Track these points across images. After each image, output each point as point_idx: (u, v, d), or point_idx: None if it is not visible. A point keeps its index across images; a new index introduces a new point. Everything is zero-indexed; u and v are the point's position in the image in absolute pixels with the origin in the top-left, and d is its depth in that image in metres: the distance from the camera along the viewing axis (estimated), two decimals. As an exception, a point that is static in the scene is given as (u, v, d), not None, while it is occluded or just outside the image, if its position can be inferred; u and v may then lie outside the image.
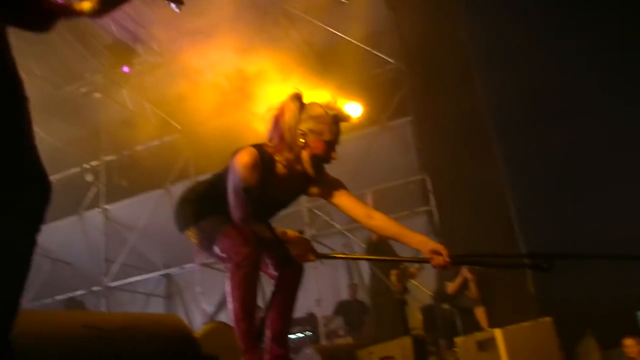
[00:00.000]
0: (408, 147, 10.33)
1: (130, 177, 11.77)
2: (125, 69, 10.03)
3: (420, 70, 9.15)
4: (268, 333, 2.96)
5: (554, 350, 5.78)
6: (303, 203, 10.10)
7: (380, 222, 3.06)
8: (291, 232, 2.91)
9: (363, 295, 10.78)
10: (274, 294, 2.82)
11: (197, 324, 10.41)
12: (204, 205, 2.98)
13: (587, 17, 8.57)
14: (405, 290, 7.15)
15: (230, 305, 2.73)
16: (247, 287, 2.71)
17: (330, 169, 3.13)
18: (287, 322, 3.10)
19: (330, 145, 2.91)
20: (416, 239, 3.01)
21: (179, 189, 11.42)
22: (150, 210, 10.94)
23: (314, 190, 3.15)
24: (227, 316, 9.10)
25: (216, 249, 2.82)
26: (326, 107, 2.90)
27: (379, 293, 7.34)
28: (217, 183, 3.00)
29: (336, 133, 2.92)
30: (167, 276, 12.27)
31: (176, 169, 11.20)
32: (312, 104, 2.93)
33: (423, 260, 3.00)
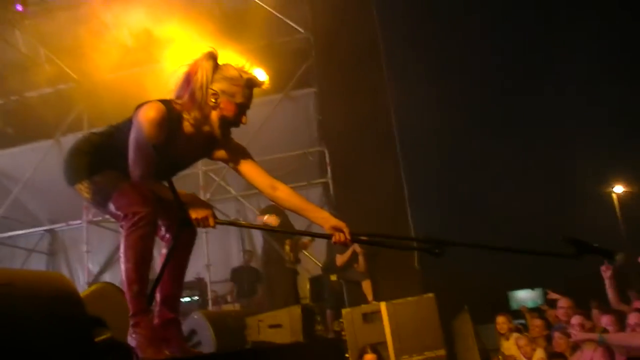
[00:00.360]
0: (309, 119, 10.36)
1: (17, 125, 11.02)
2: (19, 7, 9.35)
3: (327, 43, 9.14)
4: (158, 297, 2.87)
5: (435, 324, 6.03)
6: (199, 165, 9.88)
7: (284, 194, 3.03)
8: (192, 195, 2.83)
9: (257, 263, 10.81)
10: (167, 257, 2.72)
11: (81, 283, 10.05)
12: (99, 158, 2.79)
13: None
14: (297, 260, 7.22)
15: (123, 266, 2.61)
16: (142, 248, 2.61)
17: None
18: (178, 286, 3.02)
19: (242, 108, 2.84)
20: (319, 215, 3.02)
21: (70, 141, 10.82)
22: (37, 162, 10.30)
23: (218, 154, 3.07)
24: (113, 276, 8.87)
25: (111, 207, 2.69)
26: (241, 70, 2.83)
27: (271, 262, 7.34)
28: (115, 136, 2.84)
29: (248, 97, 2.86)
30: (51, 232, 11.65)
31: (69, 120, 10.60)
32: (227, 65, 2.84)
33: (323, 236, 3.03)
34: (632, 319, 4.27)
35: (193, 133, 2.86)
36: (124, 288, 2.62)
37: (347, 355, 6.00)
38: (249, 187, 10.61)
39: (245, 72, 2.83)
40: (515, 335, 7.01)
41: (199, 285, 9.38)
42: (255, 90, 2.89)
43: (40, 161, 10.22)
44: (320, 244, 10.04)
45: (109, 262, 11.19)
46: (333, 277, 7.86)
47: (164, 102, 2.77)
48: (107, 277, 10.76)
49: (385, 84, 8.86)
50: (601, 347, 4.76)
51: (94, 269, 10.98)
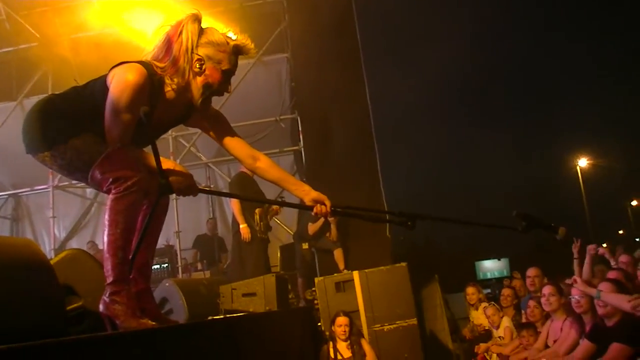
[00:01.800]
0: (282, 85, 10.21)
1: (-25, 86, 10.67)
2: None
3: (301, 7, 8.92)
4: (135, 265, 2.69)
5: (407, 294, 6.05)
6: (169, 131, 9.70)
7: (264, 165, 2.98)
8: (172, 162, 2.71)
9: (223, 231, 10.72)
10: (146, 224, 2.53)
11: (47, 250, 9.85)
12: (70, 121, 2.56)
13: None
14: (268, 228, 7.13)
15: (108, 232, 2.43)
16: (132, 214, 2.47)
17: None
18: (151, 255, 2.92)
19: (227, 76, 2.72)
20: (300, 187, 3.00)
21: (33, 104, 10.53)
22: (-1, 125, 9.99)
23: (195, 120, 2.96)
24: (80, 243, 8.68)
25: (95, 172, 2.47)
26: (226, 35, 2.71)
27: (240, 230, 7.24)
28: (84, 97, 2.65)
29: (234, 64, 2.73)
30: (15, 197, 11.38)
31: (32, 81, 10.22)
32: (211, 29, 2.71)
33: (304, 207, 3.01)
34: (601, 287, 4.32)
35: (173, 99, 2.72)
36: (107, 255, 2.44)
37: (319, 323, 6.00)
38: (219, 154, 10.53)
39: (232, 38, 2.71)
40: (483, 304, 7.09)
41: (169, 253, 9.29)
42: None
43: (2, 124, 9.90)
44: (292, 212, 10.00)
45: (76, 228, 11.00)
46: (305, 246, 7.82)
47: (145, 64, 2.60)
48: (74, 244, 10.60)
49: (359, 51, 8.72)
50: (570, 317, 4.82)
51: (61, 234, 10.77)
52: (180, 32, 2.63)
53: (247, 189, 6.95)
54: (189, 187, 2.66)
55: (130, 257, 2.51)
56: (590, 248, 5.60)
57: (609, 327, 4.24)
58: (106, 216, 2.45)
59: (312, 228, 7.57)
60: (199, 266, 9.48)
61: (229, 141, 2.96)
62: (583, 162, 29.43)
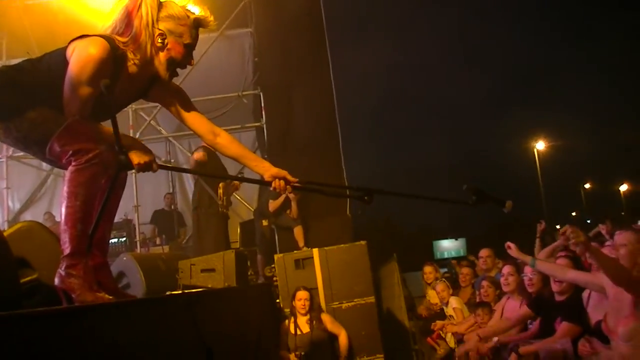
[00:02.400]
0: (245, 60, 10.09)
1: None
2: None
3: (264, -20, 8.81)
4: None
5: (365, 272, 6.11)
6: (129, 105, 9.54)
7: (224, 141, 2.98)
8: (132, 138, 2.69)
9: (182, 206, 10.62)
10: (105, 198, 2.49)
11: (0, 222, 9.60)
12: (26, 94, 2.51)
13: None
14: (229, 203, 7.09)
15: (67, 202, 2.39)
16: (92, 187, 2.43)
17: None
18: (109, 229, 2.90)
19: (189, 49, 2.72)
20: (259, 164, 3.02)
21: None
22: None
23: (155, 94, 2.93)
24: (35, 215, 8.49)
25: (54, 145, 2.42)
26: (185, 8, 2.69)
27: (202, 205, 7.19)
28: (39, 70, 2.59)
29: (195, 37, 2.73)
30: (-34, 167, 11.04)
31: (-16, 48, 9.91)
32: (171, 2, 2.69)
33: (262, 182, 3.04)
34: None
35: (135, 73, 2.69)
36: (65, 226, 2.40)
37: (278, 300, 6.01)
38: (180, 128, 10.37)
39: (192, 12, 2.69)
40: (439, 283, 7.20)
41: (127, 227, 9.15)
42: None
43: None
44: (252, 189, 9.95)
45: (31, 200, 10.74)
46: (265, 223, 7.80)
47: (107, 38, 2.56)
48: (28, 216, 10.34)
49: (323, 26, 8.66)
50: (525, 298, 4.93)
51: (14, 206, 10.51)
52: (140, 6, 2.60)
53: (209, 164, 6.89)
54: (148, 164, 2.61)
55: (90, 232, 2.45)
56: (540, 225, 5.83)
57: (557, 302, 4.35)
58: (65, 188, 2.41)
59: (272, 205, 7.55)
60: (158, 241, 9.38)
61: (189, 116, 2.94)
62: (540, 145, 30.01)
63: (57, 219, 9.72)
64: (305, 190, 3.36)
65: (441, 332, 6.58)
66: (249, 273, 6.24)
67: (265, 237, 7.85)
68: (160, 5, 2.66)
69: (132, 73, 2.68)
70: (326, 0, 8.81)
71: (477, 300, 6.14)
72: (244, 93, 9.75)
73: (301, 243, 7.35)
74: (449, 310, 6.53)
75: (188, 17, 2.68)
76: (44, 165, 10.90)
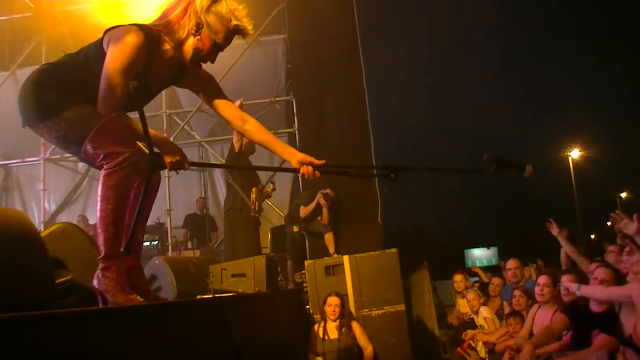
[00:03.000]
0: (278, 66, 10.14)
1: (-32, 55, 10.53)
2: None
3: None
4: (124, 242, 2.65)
5: (396, 279, 6.06)
6: (163, 108, 9.71)
7: (253, 127, 3.05)
8: (164, 138, 2.75)
9: (214, 210, 10.70)
10: (141, 201, 2.52)
11: (36, 223, 9.79)
12: (64, 91, 2.57)
13: None
14: (260, 209, 7.10)
15: (99, 207, 2.46)
16: (123, 189, 2.49)
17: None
18: (142, 232, 2.95)
19: (216, 48, 2.78)
20: (286, 150, 3.07)
21: (26, 75, 10.40)
22: (-9, 95, 9.86)
23: (188, 82, 3.02)
24: (70, 216, 8.61)
25: (87, 146, 2.48)
26: (233, 12, 2.75)
27: (234, 209, 7.21)
28: (78, 64, 2.66)
29: (227, 41, 2.79)
30: (5, 168, 11.27)
31: (25, 52, 10.10)
32: (224, 2, 2.74)
33: (292, 170, 3.04)
34: (598, 273, 4.35)
35: (169, 58, 2.77)
36: (99, 230, 2.48)
37: (307, 306, 6.01)
38: (212, 133, 10.50)
39: (236, 18, 2.75)
40: (469, 291, 7.12)
41: (159, 230, 9.26)
42: None
43: (-6, 94, 9.79)
44: (283, 195, 10.00)
45: (66, 202, 10.93)
46: (295, 229, 7.80)
47: (140, 26, 2.63)
48: (63, 217, 10.53)
49: (356, 33, 8.67)
50: (561, 307, 4.83)
51: (50, 207, 10.71)
52: None
53: (249, 175, 6.99)
54: (179, 162, 2.69)
55: (129, 235, 2.51)
56: (562, 231, 5.85)
57: (593, 313, 4.25)
58: (98, 191, 2.46)
59: (303, 211, 7.56)
60: (189, 245, 9.46)
61: (219, 103, 3.02)
62: (575, 153, 29.54)
63: (91, 221, 9.89)
64: (330, 172, 3.38)
65: (472, 342, 6.51)
66: (279, 279, 6.25)
67: (295, 243, 7.85)
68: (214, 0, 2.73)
69: (165, 57, 2.75)
70: (359, 6, 8.82)
71: (506, 311, 6.06)
72: (276, 99, 9.81)
73: (332, 249, 7.34)
74: (479, 320, 6.45)
75: (231, 20, 2.73)
76: (80, 167, 11.11)
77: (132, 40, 2.53)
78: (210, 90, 3.02)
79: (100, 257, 2.48)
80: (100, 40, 2.63)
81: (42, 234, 2.75)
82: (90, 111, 2.53)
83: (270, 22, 9.77)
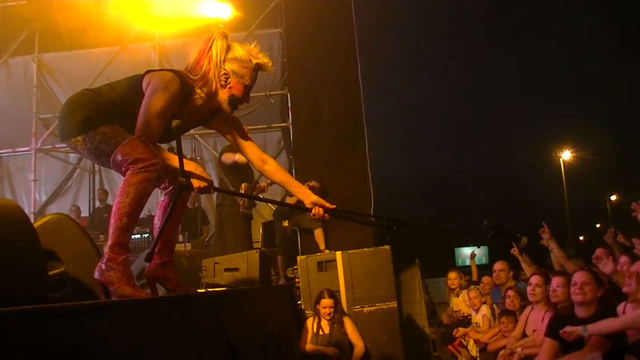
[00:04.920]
0: (273, 60, 10.07)
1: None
2: None
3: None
4: (162, 240, 3.03)
5: (388, 276, 6.05)
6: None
7: (272, 168, 3.32)
8: (194, 164, 2.96)
9: (205, 204, 10.65)
10: (167, 216, 2.82)
11: (27, 213, 9.70)
12: (102, 113, 2.82)
13: None
14: (252, 204, 7.06)
15: (118, 200, 2.65)
16: (143, 189, 2.68)
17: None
18: (175, 232, 3.42)
19: (248, 89, 3.05)
20: (301, 190, 3.35)
21: (19, 65, 10.42)
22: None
23: (215, 123, 3.28)
24: (61, 207, 8.53)
25: (117, 154, 2.71)
26: (249, 52, 3.01)
27: (224, 204, 7.17)
28: (118, 94, 2.91)
29: (255, 79, 3.07)
30: (-5, 157, 11.21)
31: (18, 41, 10.01)
32: (235, 45, 3.03)
33: (304, 209, 3.32)
34: (577, 277, 4.32)
35: (199, 106, 3.04)
36: (112, 220, 2.64)
37: (299, 302, 5.99)
38: (204, 127, 10.42)
39: (254, 56, 3.01)
40: (465, 292, 7.11)
41: (150, 223, 9.18)
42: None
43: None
44: (275, 191, 9.97)
45: (57, 193, 10.86)
46: (285, 224, 7.77)
47: (178, 74, 2.91)
48: (54, 208, 10.48)
49: (353, 29, 8.65)
50: (551, 308, 4.83)
51: (41, 198, 10.63)
52: (210, 48, 2.96)
53: (241, 171, 6.95)
54: (207, 188, 2.91)
55: (154, 242, 2.85)
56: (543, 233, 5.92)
57: (579, 318, 4.23)
58: (120, 187, 2.68)
59: (289, 201, 7.50)
60: (180, 238, 9.40)
61: (244, 144, 3.31)
62: (566, 155, 29.67)
63: (84, 214, 9.84)
64: (339, 217, 3.62)
65: (463, 341, 6.51)
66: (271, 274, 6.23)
67: (286, 238, 7.81)
68: (228, 48, 2.99)
69: (196, 105, 3.03)
70: (357, 0, 8.80)
71: (497, 312, 6.07)
72: (271, 93, 9.76)
73: (322, 245, 7.27)
74: (477, 317, 6.43)
75: (250, 61, 3.00)
76: (71, 158, 11.03)
77: (172, 88, 2.82)
78: (235, 132, 3.28)
79: (107, 245, 2.60)
80: (140, 79, 2.88)
81: (35, 225, 2.71)
82: (124, 130, 2.79)
83: (267, 16, 9.74)
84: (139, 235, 8.54)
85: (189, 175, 2.82)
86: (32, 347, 1.50)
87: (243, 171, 7.06)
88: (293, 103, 8.89)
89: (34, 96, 9.96)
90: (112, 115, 2.83)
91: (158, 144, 2.96)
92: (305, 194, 3.29)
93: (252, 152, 3.31)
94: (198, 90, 2.99)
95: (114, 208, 2.67)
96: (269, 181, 7.51)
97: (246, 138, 3.32)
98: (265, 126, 9.81)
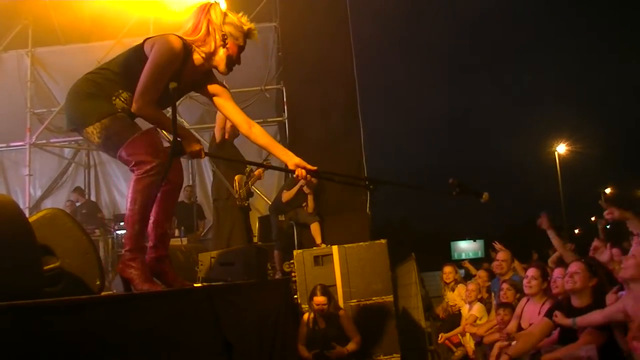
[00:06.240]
0: (268, 54, 10.08)
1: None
2: None
3: (290, -24, 8.77)
4: (154, 235, 3.16)
5: (385, 270, 6.07)
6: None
7: (258, 131, 3.48)
8: (187, 130, 3.23)
9: (201, 199, 10.63)
10: (166, 171, 2.95)
11: (21, 208, 9.66)
12: (103, 94, 3.02)
13: None
14: (249, 194, 7.00)
15: (128, 207, 2.93)
16: (149, 193, 2.93)
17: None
18: (169, 226, 3.50)
19: (241, 51, 3.29)
20: (285, 152, 3.55)
21: (12, 57, 10.37)
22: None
23: (207, 89, 3.45)
24: (56, 202, 8.50)
25: (122, 153, 2.94)
26: (239, 19, 3.27)
27: (220, 198, 7.14)
28: (118, 61, 3.12)
29: (245, 43, 3.31)
30: (-10, 151, 11.14)
31: (11, 35, 9.97)
32: (229, 13, 3.25)
33: (287, 170, 3.54)
34: (570, 267, 4.34)
35: (197, 67, 3.26)
36: (126, 226, 2.98)
37: (296, 296, 5.99)
38: (201, 121, 10.43)
39: (245, 23, 3.28)
40: (460, 285, 7.12)
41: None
42: None
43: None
44: (272, 184, 9.96)
45: (53, 187, 10.82)
46: (281, 217, 7.75)
47: (179, 37, 3.12)
48: (48, 203, 10.45)
49: (348, 23, 8.61)
50: (550, 300, 4.84)
51: (36, 193, 10.59)
52: (209, 11, 3.20)
53: (228, 154, 6.86)
54: (198, 152, 3.13)
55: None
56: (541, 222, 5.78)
57: (576, 308, 4.25)
58: (128, 193, 2.96)
59: (286, 195, 7.48)
60: (177, 233, 9.40)
61: (230, 108, 3.49)
62: (561, 148, 29.68)
63: (78, 203, 9.80)
64: (320, 177, 4.03)
65: (459, 335, 6.53)
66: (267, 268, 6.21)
67: (282, 232, 7.79)
68: (224, 14, 3.23)
69: (196, 65, 3.24)
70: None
71: (493, 304, 6.07)
72: (266, 87, 9.75)
73: (318, 240, 7.28)
74: (472, 311, 6.41)
75: (242, 26, 3.26)
76: (66, 153, 11.00)
77: (175, 44, 3.03)
78: (223, 98, 3.48)
79: (125, 249, 2.98)
80: (141, 45, 3.10)
81: (30, 220, 2.69)
82: (128, 122, 3.00)
83: (262, 10, 9.70)
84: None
85: (182, 137, 3.01)
86: (27, 342, 1.49)
87: (235, 163, 7.00)
88: (288, 97, 8.86)
89: (28, 91, 9.94)
90: (114, 86, 3.04)
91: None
92: (289, 157, 3.47)
93: (239, 116, 3.49)
94: (197, 50, 3.20)
95: (125, 216, 2.98)
96: (262, 169, 7.51)
97: (234, 105, 3.50)
98: (261, 121, 9.74)
